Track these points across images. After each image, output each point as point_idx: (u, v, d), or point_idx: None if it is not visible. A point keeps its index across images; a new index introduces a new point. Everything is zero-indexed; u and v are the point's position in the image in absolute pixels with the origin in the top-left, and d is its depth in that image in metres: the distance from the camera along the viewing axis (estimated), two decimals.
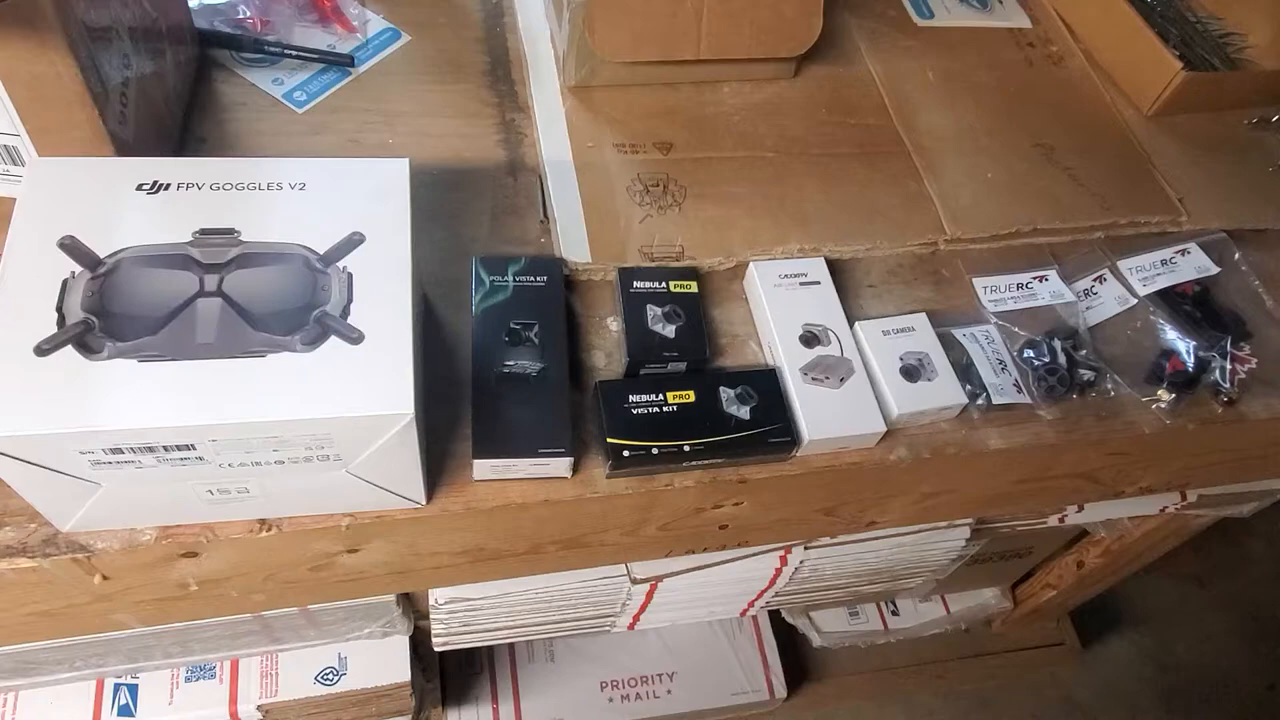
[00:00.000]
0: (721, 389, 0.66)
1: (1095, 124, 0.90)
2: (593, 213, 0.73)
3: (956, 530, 0.87)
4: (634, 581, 0.79)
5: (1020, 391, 0.72)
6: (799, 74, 0.87)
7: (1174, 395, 0.74)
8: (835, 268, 0.77)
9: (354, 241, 0.54)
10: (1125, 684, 1.69)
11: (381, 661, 0.90)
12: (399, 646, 0.90)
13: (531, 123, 0.80)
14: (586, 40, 0.76)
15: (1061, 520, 0.97)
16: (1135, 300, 0.80)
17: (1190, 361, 0.75)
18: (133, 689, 0.86)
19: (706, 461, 0.64)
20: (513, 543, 0.68)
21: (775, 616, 1.39)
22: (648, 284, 0.70)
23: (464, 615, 0.79)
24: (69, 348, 0.48)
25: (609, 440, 0.62)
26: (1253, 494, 1.00)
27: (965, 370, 0.73)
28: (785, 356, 0.68)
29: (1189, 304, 0.80)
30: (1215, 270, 0.82)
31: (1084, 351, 0.75)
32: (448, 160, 0.77)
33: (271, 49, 0.79)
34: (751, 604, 0.90)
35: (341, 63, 0.81)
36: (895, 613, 1.42)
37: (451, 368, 0.66)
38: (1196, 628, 1.80)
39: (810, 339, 0.70)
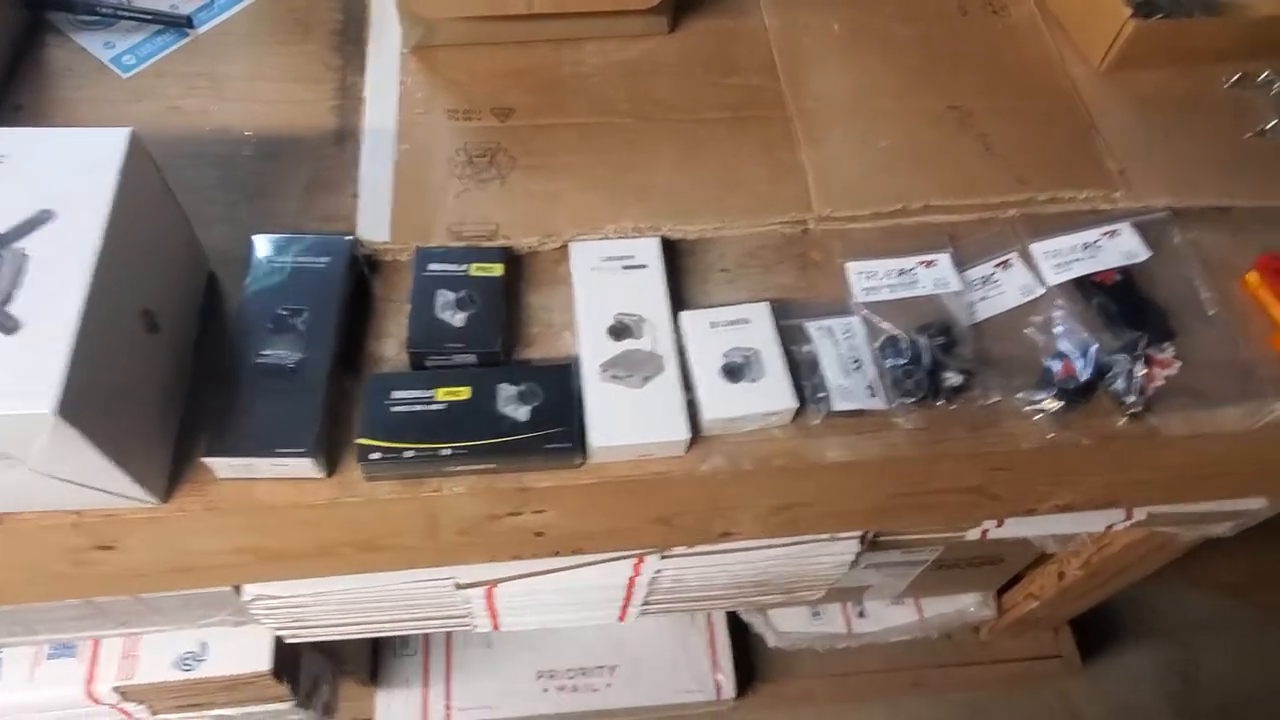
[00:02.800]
0: (502, 386, 0.59)
1: (1032, 82, 0.78)
2: (403, 187, 0.67)
3: (842, 543, 0.78)
4: (459, 586, 0.73)
5: (873, 396, 0.63)
6: (678, 28, 0.77)
7: (1061, 405, 0.63)
8: (685, 250, 0.69)
9: (39, 220, 0.50)
10: (1141, 700, 1.55)
11: (243, 649, 0.87)
12: (263, 634, 0.88)
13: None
14: None
15: (984, 535, 0.86)
16: (1043, 290, 0.69)
17: (1085, 366, 0.64)
18: None
19: (474, 467, 0.58)
20: (297, 543, 0.63)
21: (732, 614, 1.32)
22: (445, 266, 0.63)
23: (285, 612, 0.75)
24: None
25: (358, 440, 0.57)
26: (1224, 513, 0.86)
27: (810, 370, 0.64)
28: (586, 350, 0.61)
29: (1106, 296, 0.68)
30: (1144, 256, 0.70)
31: (962, 350, 0.65)
32: (273, 128, 0.72)
33: (104, 10, 0.75)
34: (625, 609, 0.84)
35: (177, 24, 0.76)
36: (862, 615, 1.33)
37: (222, 357, 0.61)
38: (1228, 642, 1.63)
39: (620, 331, 0.62)
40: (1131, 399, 0.64)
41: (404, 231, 0.65)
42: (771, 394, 0.61)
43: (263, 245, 0.62)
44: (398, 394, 0.58)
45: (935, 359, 0.64)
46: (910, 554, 1.13)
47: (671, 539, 0.72)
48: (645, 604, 0.83)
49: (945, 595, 1.33)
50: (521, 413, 0.58)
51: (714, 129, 0.72)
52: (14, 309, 0.47)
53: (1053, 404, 0.63)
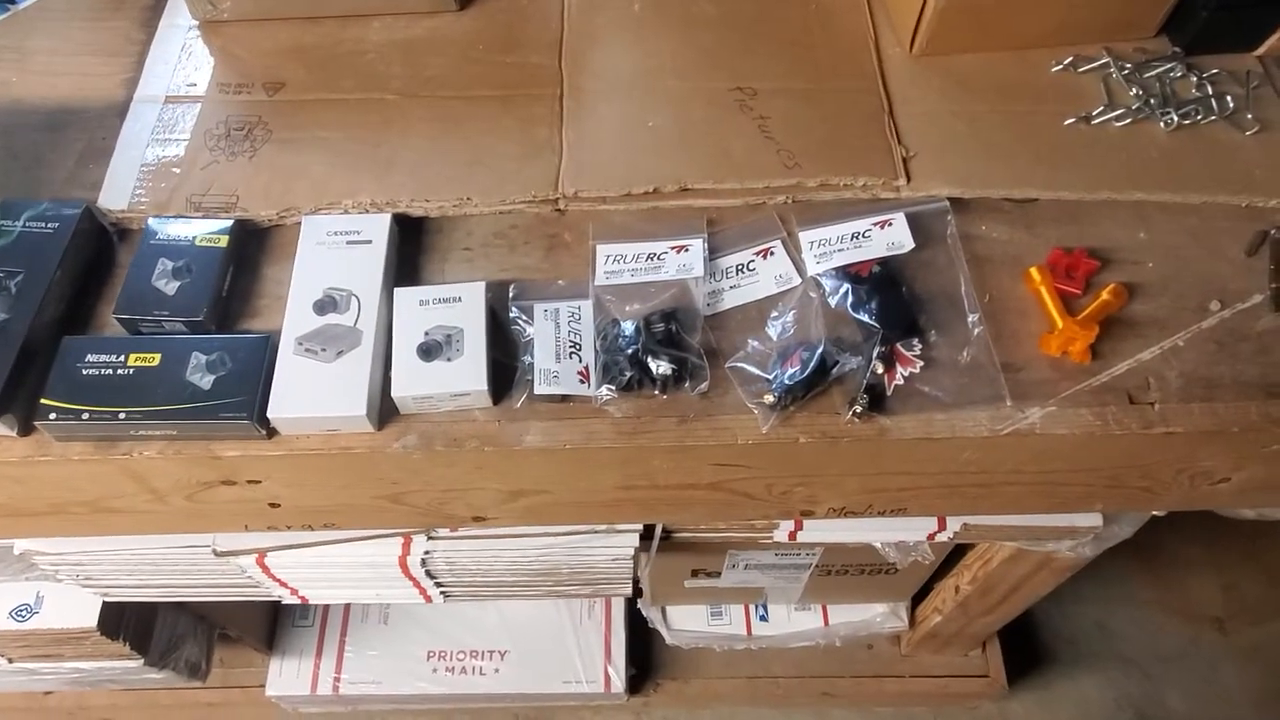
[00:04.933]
0: (195, 354, 0.59)
1: (836, 65, 0.74)
2: (154, 156, 0.68)
3: (622, 536, 0.75)
4: (218, 554, 0.74)
5: (584, 382, 0.61)
6: (470, 6, 0.77)
7: (776, 399, 0.60)
8: (433, 228, 0.68)
9: None
10: None
11: (73, 605, 0.90)
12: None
13: None
14: None
15: (793, 536, 0.82)
16: (799, 281, 0.66)
17: (809, 360, 0.60)
18: None
19: (154, 432, 0.58)
20: (22, 501, 0.65)
21: (633, 607, 1.30)
22: (171, 236, 0.64)
23: (68, 569, 0.77)
24: None
25: (40, 400, 0.58)
26: (1059, 529, 0.81)
27: (526, 346, 0.62)
28: (289, 323, 0.61)
29: (860, 288, 0.64)
30: (909, 247, 0.65)
31: (689, 338, 0.62)
32: (61, 99, 0.74)
33: None
34: (421, 590, 0.83)
35: None
36: (764, 618, 1.29)
37: None
38: (1202, 678, 1.52)
39: (325, 304, 0.62)
40: (857, 397, 0.60)
41: (145, 200, 0.66)
42: (464, 374, 0.59)
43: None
44: (91, 357, 0.59)
45: (649, 347, 0.61)
46: (787, 556, 1.09)
47: (416, 519, 0.71)
48: (440, 586, 0.83)
49: (854, 603, 1.28)
50: (206, 381, 0.59)
51: (479, 106, 0.71)
52: None
53: (770, 398, 0.60)
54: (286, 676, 1.25)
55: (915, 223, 0.67)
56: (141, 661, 1.00)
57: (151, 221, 0.65)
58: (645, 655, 1.34)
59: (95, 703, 1.33)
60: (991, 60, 0.74)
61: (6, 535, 0.73)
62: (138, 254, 0.64)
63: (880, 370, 0.61)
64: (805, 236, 0.67)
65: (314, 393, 0.58)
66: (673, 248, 0.66)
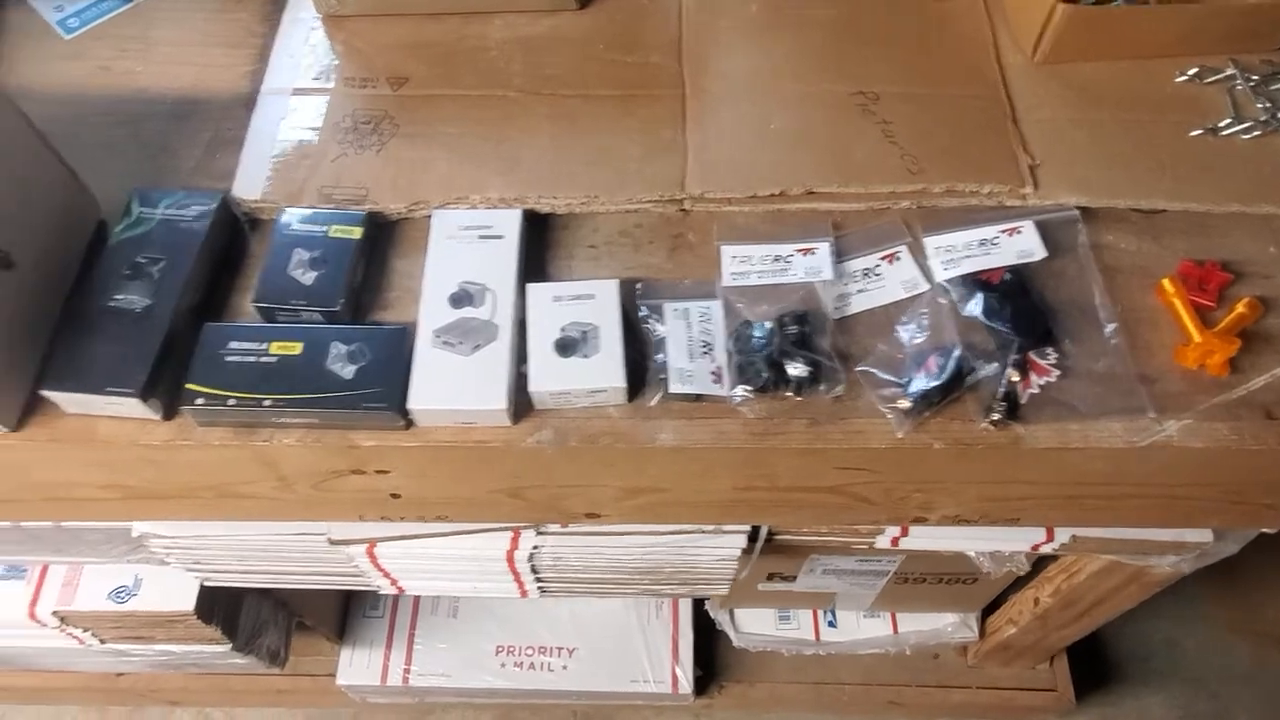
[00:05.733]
0: (334, 344, 0.60)
1: (956, 71, 0.74)
2: (284, 148, 0.69)
3: (729, 537, 0.75)
4: (332, 542, 0.75)
5: (718, 382, 0.61)
6: (590, 5, 0.77)
7: (912, 405, 0.60)
8: (558, 224, 0.69)
9: None
10: None
11: (172, 588, 0.92)
12: (191, 579, 0.92)
13: None
14: None
15: (895, 543, 0.82)
16: (927, 287, 0.65)
17: (946, 365, 0.60)
18: None
19: (297, 420, 0.59)
20: (155, 484, 0.66)
21: (700, 608, 1.30)
22: (305, 227, 0.65)
23: (180, 552, 0.78)
24: None
25: (186, 385, 0.59)
26: (1165, 544, 0.80)
27: (658, 346, 0.62)
28: (425, 315, 0.62)
29: (991, 295, 0.64)
30: (1040, 255, 0.65)
31: (820, 341, 0.62)
32: (188, 90, 0.75)
33: None
34: (521, 585, 0.84)
35: None
36: (833, 624, 1.29)
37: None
38: (1271, 700, 1.50)
39: (461, 298, 0.62)
40: (995, 405, 0.60)
41: (277, 191, 0.67)
42: (601, 370, 0.60)
43: (139, 197, 0.65)
44: (234, 344, 0.60)
45: (783, 349, 0.61)
46: (868, 562, 1.09)
47: (531, 514, 0.72)
48: (540, 581, 0.83)
49: (923, 612, 1.28)
50: (348, 371, 0.59)
51: (601, 105, 0.72)
52: None
53: (905, 403, 0.60)
54: (357, 666, 1.26)
55: (1042, 231, 0.66)
56: (229, 647, 1.01)
57: (285, 212, 0.66)
58: (709, 657, 1.34)
59: (167, 685, 1.35)
60: (1114, 69, 0.74)
61: (132, 517, 0.74)
62: (273, 244, 0.64)
63: (1014, 378, 0.61)
64: (930, 242, 0.67)
65: (453, 385, 0.59)
66: (799, 250, 0.66)
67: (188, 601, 0.92)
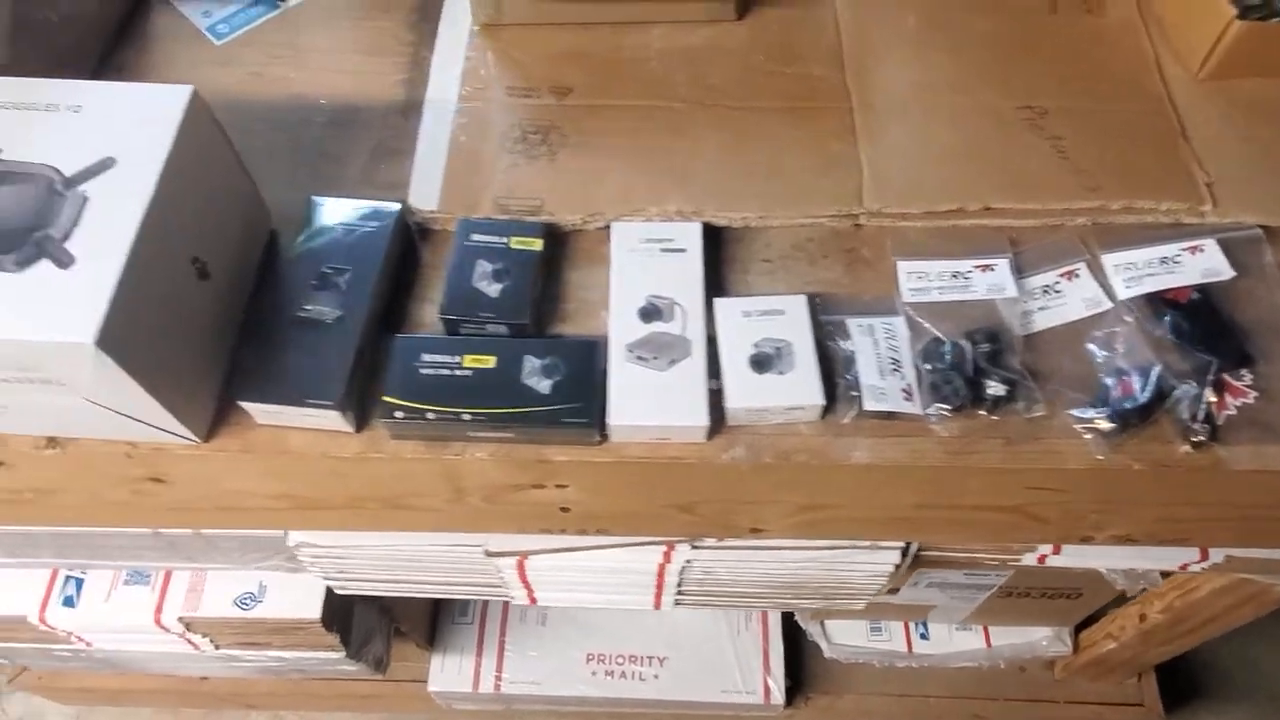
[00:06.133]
0: (527, 358, 0.60)
1: (1120, 86, 0.73)
2: (455, 158, 0.69)
3: (882, 553, 0.75)
4: (488, 554, 0.74)
5: (909, 399, 0.61)
6: (746, 15, 0.76)
7: (1114, 426, 0.59)
8: (731, 237, 0.68)
9: (103, 166, 0.53)
10: None
11: (297, 596, 0.92)
12: (318, 585, 0.92)
13: None
14: None
15: (1042, 561, 0.81)
16: (1110, 305, 0.65)
17: (1145, 386, 0.60)
18: (79, 583, 0.93)
19: (494, 434, 0.59)
20: (329, 494, 0.66)
21: (789, 619, 1.29)
22: (486, 238, 0.65)
23: (328, 561, 0.78)
24: None
25: (383, 398, 0.58)
26: None
27: (845, 367, 0.62)
28: (615, 329, 0.61)
29: (1179, 315, 0.63)
30: (1228, 275, 0.65)
31: (1010, 359, 0.62)
32: (344, 97, 0.75)
33: None
34: (659, 598, 0.83)
35: None
36: (925, 636, 1.28)
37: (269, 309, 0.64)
38: None
39: (650, 312, 0.62)
40: (1196, 426, 0.59)
41: (452, 201, 0.67)
42: (799, 388, 0.59)
43: (317, 206, 0.65)
44: (427, 357, 0.60)
45: (978, 366, 0.61)
46: (974, 576, 1.08)
47: (696, 529, 0.71)
48: (680, 594, 0.83)
49: (1016, 626, 1.27)
50: (544, 385, 0.59)
51: (767, 117, 0.71)
52: (70, 245, 0.51)
53: (1105, 424, 0.59)
54: (448, 673, 1.26)
55: (1223, 249, 0.66)
56: (342, 654, 1.01)
57: (464, 223, 0.65)
58: (793, 668, 1.33)
59: (249, 689, 1.34)
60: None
61: (296, 527, 0.74)
62: (455, 255, 0.64)
63: (1211, 399, 0.60)
64: (1109, 259, 0.66)
65: (652, 401, 0.59)
66: (977, 266, 0.66)
67: (313, 609, 0.92)
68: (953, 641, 1.28)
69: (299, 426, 0.60)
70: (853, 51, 0.74)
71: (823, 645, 1.27)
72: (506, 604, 1.30)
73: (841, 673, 1.34)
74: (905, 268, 0.66)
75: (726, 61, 0.74)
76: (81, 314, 0.48)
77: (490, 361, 0.60)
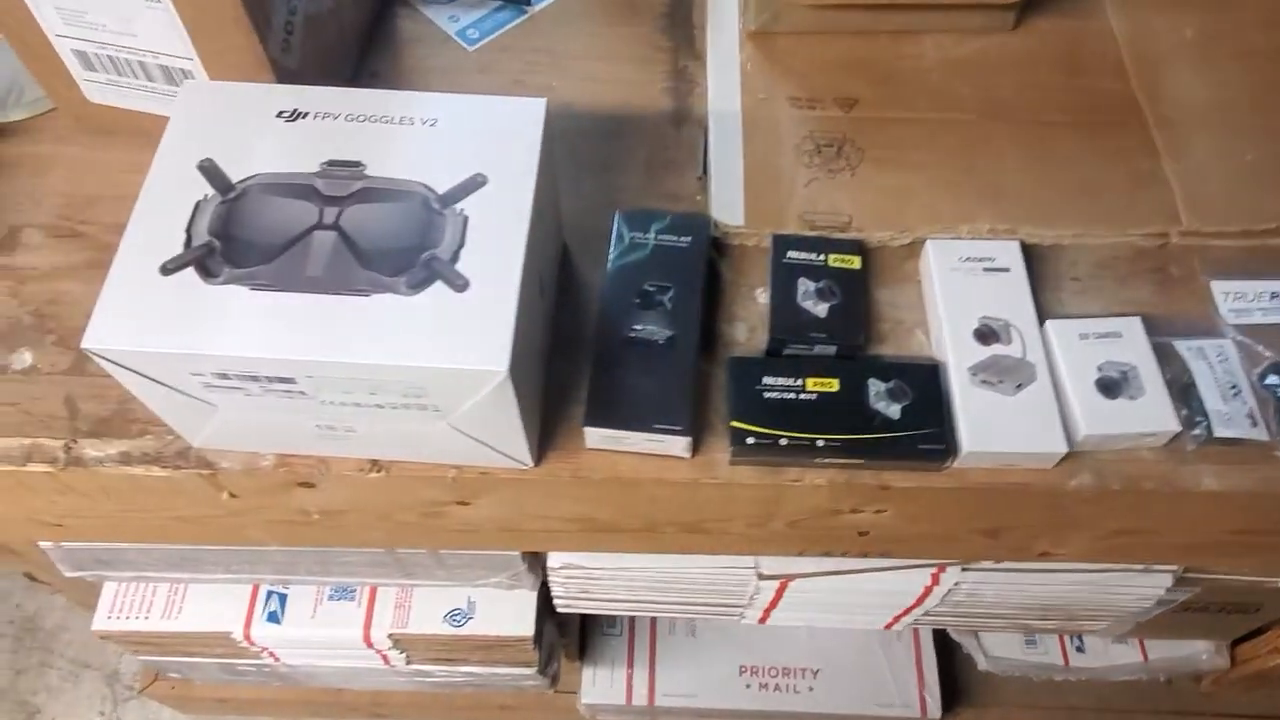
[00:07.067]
0: (871, 381, 0.58)
1: None
2: (754, 172, 0.67)
3: (1156, 576, 0.74)
4: (761, 577, 0.73)
5: (1255, 425, 0.59)
6: (1019, 26, 0.75)
7: None
8: (1031, 255, 0.66)
9: (475, 184, 0.51)
10: None
11: (508, 612, 0.89)
12: (527, 601, 0.90)
13: (703, 71, 0.74)
14: None
15: None
16: None
17: None
18: (283, 598, 0.91)
19: (843, 460, 0.57)
20: (627, 518, 0.64)
21: (940, 630, 1.28)
22: (803, 255, 0.63)
23: (580, 582, 0.76)
24: (190, 269, 0.48)
25: (732, 423, 0.56)
26: None
27: (1183, 392, 0.60)
28: (953, 352, 0.59)
29: None
30: None
31: None
32: (610, 106, 0.73)
33: None
34: (897, 618, 0.82)
35: (518, 0, 0.78)
36: (1081, 649, 1.26)
37: (580, 326, 0.62)
38: None
39: (986, 334, 0.60)
40: None
41: (758, 216, 0.65)
42: (1152, 414, 0.58)
43: (625, 220, 0.63)
44: (768, 380, 0.58)
45: None
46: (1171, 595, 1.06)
47: (991, 552, 0.70)
48: (925, 616, 0.81)
49: (1176, 639, 1.26)
50: (893, 410, 0.57)
51: (1061, 132, 0.69)
52: (461, 267, 0.49)
53: None
54: (600, 685, 1.24)
55: None
56: (535, 669, 0.99)
57: (779, 239, 0.63)
58: (944, 680, 1.31)
59: (391, 700, 1.32)
60: None
61: (583, 549, 0.72)
62: (774, 273, 0.62)
63: None
64: None
65: (1005, 426, 0.57)
66: None
67: (526, 627, 0.90)
68: (1109, 655, 1.26)
69: (633, 451, 0.58)
70: (1135, 64, 0.73)
71: (978, 658, 1.26)
72: (654, 618, 1.29)
73: (986, 686, 1.32)
74: (1221, 288, 0.64)
75: (1009, 73, 0.72)
76: (491, 342, 0.46)
77: (834, 385, 0.58)
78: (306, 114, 0.54)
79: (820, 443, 0.56)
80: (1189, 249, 0.66)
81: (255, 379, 0.48)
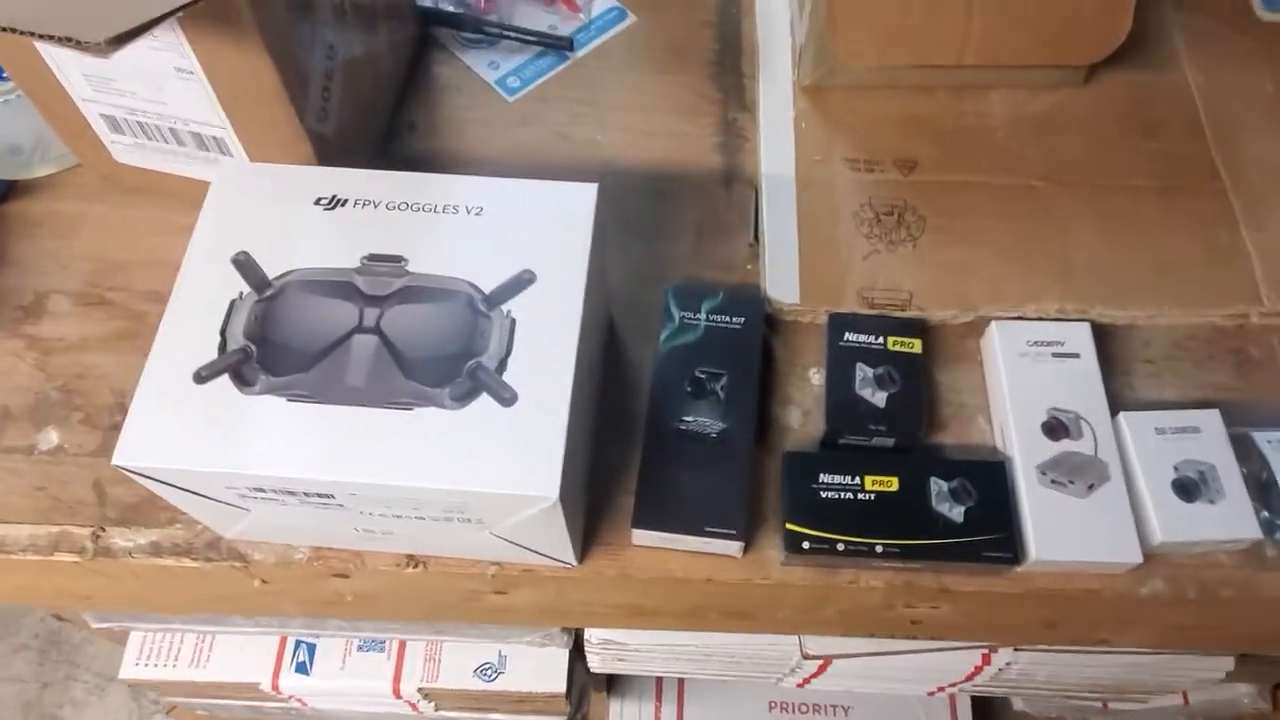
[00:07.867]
0: (933, 480, 0.55)
1: None
2: (809, 243, 0.64)
3: (1216, 660, 0.71)
4: (806, 656, 0.70)
5: None
6: (1090, 80, 0.71)
7: None
8: (1102, 333, 0.63)
9: (524, 281, 0.48)
10: None
11: (540, 669, 0.88)
12: (559, 658, 0.88)
13: (753, 124, 0.70)
14: (827, 37, 0.65)
15: None
16: None
17: None
18: (311, 648, 0.89)
19: (903, 565, 0.54)
20: (672, 603, 0.62)
21: None
22: (861, 337, 0.60)
23: (615, 652, 0.74)
24: (225, 377, 0.46)
25: (787, 525, 0.54)
26: None
27: (1262, 491, 0.57)
28: (1020, 448, 0.56)
29: None
30: None
31: None
32: (657, 163, 0.70)
33: (490, 29, 0.75)
34: (941, 689, 0.79)
35: (559, 46, 0.75)
36: None
37: (628, 406, 0.60)
38: None
39: (1055, 428, 0.57)
40: None
41: (813, 293, 0.62)
42: (1232, 520, 0.54)
43: (675, 297, 0.60)
44: (825, 478, 0.55)
45: None
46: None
47: (1048, 639, 0.67)
48: (973, 688, 0.78)
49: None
50: (956, 512, 0.54)
51: (1137, 199, 0.66)
52: (509, 378, 0.46)
53: None
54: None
55: None
56: (566, 716, 0.97)
57: (835, 319, 0.60)
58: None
59: None
60: None
61: (622, 627, 0.70)
62: (831, 357, 0.59)
63: None
64: None
65: (1076, 533, 0.54)
66: None
67: (558, 683, 0.88)
68: (1149, 699, 1.23)
69: (682, 549, 0.55)
70: (1213, 122, 0.69)
71: (1015, 700, 1.23)
72: None
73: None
74: None
75: (1078, 132, 0.68)
76: (541, 467, 0.44)
77: (893, 484, 0.55)
78: (346, 200, 0.51)
79: (879, 548, 0.53)
80: (1270, 329, 0.63)
81: (293, 493, 0.46)
